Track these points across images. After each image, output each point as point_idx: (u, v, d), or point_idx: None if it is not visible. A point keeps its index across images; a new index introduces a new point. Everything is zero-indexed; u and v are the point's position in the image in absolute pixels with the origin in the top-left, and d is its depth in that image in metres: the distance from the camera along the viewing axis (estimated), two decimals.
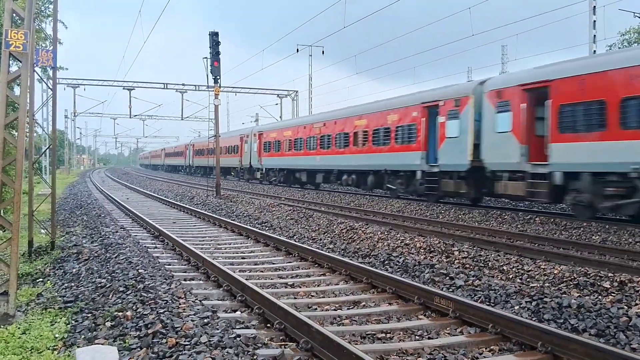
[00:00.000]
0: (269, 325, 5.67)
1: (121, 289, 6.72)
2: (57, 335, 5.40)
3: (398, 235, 11.65)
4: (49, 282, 8.00)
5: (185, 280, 7.79)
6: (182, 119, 56.83)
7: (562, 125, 14.70)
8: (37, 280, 8.29)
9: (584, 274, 7.79)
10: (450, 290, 7.22)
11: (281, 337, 5.31)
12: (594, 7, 24.15)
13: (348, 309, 6.50)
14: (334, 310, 6.44)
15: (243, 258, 9.88)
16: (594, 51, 23.89)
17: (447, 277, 7.74)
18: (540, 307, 6.19)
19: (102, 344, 4.80)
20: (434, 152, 20.07)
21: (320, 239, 11.69)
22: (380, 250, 9.98)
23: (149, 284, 6.79)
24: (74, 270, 8.45)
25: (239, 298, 6.61)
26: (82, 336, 5.26)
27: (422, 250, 10.05)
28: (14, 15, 7.03)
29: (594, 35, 24.11)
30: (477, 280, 7.42)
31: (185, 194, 26.54)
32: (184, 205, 19.90)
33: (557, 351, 4.78)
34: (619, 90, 13.20)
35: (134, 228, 13.85)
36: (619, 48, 31.91)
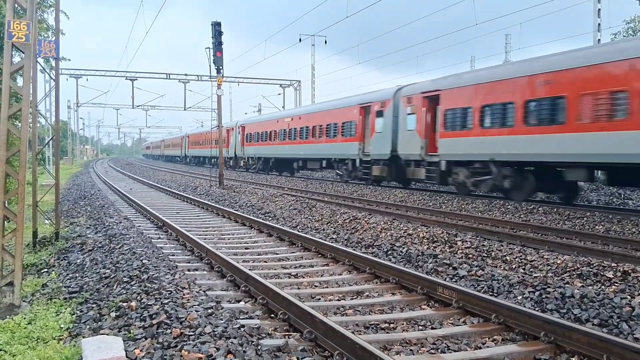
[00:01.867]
0: (272, 315, 5.70)
1: (125, 279, 6.75)
2: (62, 326, 5.44)
3: (401, 226, 11.65)
4: (53, 272, 8.05)
5: (189, 270, 7.82)
6: (184, 109, 56.79)
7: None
8: (42, 271, 8.35)
9: (587, 264, 7.79)
10: (454, 280, 7.23)
11: (285, 328, 5.34)
12: None
13: (351, 299, 6.53)
14: (338, 300, 6.46)
15: (246, 248, 9.91)
16: (599, 40, 23.73)
17: (450, 267, 7.75)
18: (543, 297, 6.20)
19: (107, 334, 4.83)
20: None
21: (324, 229, 11.71)
22: (384, 241, 9.99)
23: (153, 275, 6.82)
24: (79, 260, 8.50)
25: (243, 288, 6.63)
26: (87, 326, 5.29)
27: (425, 241, 10.06)
28: (16, 6, 7.02)
29: (599, 24, 23.95)
30: (480, 271, 7.44)
31: (188, 184, 26.58)
32: (187, 195, 19.93)
33: (560, 341, 4.79)
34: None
35: (138, 219, 13.88)
36: (624, 37, 31.68)
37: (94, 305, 5.94)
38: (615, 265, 7.64)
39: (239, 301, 6.32)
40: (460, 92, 18.61)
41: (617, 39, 18.91)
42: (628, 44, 15.83)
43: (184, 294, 5.98)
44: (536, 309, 5.87)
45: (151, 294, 5.95)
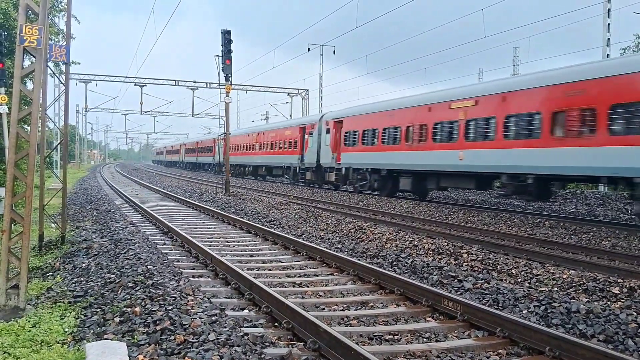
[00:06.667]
0: (276, 324, 5.68)
1: (130, 284, 6.76)
2: (66, 329, 5.44)
3: (406, 236, 11.62)
4: (58, 276, 8.07)
5: (193, 277, 7.82)
6: (192, 116, 57.03)
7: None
8: (47, 274, 8.36)
9: (593, 279, 7.74)
10: (459, 292, 7.20)
11: (289, 337, 5.33)
12: (609, 9, 23.98)
13: (356, 309, 6.50)
14: (342, 310, 6.44)
15: (251, 256, 9.90)
16: (608, 55, 23.71)
17: (456, 280, 7.72)
18: (548, 311, 6.16)
19: (111, 339, 4.83)
20: None
21: (329, 238, 11.69)
22: (389, 251, 9.97)
23: (157, 281, 6.82)
24: (84, 264, 8.51)
25: (247, 296, 6.62)
26: (91, 331, 5.30)
27: (431, 252, 10.02)
28: (28, 10, 7.09)
29: (608, 39, 23.95)
30: (486, 284, 7.40)
31: (194, 191, 26.63)
32: (193, 202, 19.96)
33: (565, 356, 4.76)
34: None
35: (143, 224, 13.92)
36: (634, 51, 31.62)
37: (98, 310, 5.94)
38: (622, 281, 7.58)
39: (243, 309, 6.31)
40: (236, 139, 44.99)
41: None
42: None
43: (188, 301, 5.98)
44: (541, 323, 5.83)
45: (155, 299, 5.95)
